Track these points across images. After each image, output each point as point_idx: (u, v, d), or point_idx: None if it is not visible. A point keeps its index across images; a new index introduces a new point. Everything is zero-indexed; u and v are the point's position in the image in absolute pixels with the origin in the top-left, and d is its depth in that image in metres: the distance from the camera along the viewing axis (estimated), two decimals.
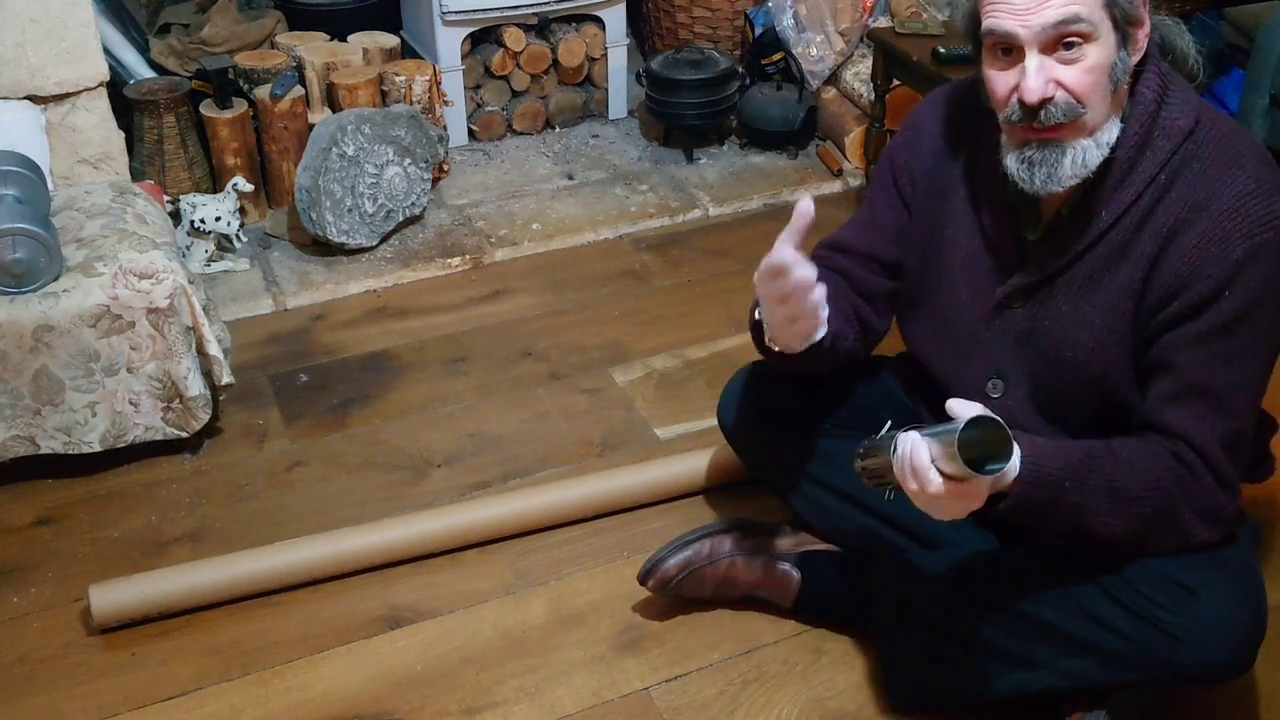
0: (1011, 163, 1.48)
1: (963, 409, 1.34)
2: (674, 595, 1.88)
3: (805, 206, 1.40)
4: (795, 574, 1.85)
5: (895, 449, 1.39)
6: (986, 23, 1.42)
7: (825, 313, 1.53)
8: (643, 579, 1.86)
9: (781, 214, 3.18)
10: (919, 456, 1.35)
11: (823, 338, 1.56)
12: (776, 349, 1.61)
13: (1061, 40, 1.39)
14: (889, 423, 1.47)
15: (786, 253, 1.41)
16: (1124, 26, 1.41)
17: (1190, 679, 1.48)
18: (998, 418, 1.32)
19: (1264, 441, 1.69)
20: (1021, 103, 1.42)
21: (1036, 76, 1.39)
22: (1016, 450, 1.37)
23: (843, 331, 1.64)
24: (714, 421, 1.96)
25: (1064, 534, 1.47)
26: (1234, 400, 1.45)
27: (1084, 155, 1.44)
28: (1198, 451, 1.45)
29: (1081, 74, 1.40)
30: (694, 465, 2.14)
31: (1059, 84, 1.40)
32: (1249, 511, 1.65)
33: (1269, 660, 1.76)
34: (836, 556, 1.86)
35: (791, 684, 1.79)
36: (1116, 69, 1.41)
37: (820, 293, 1.47)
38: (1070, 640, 1.53)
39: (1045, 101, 1.41)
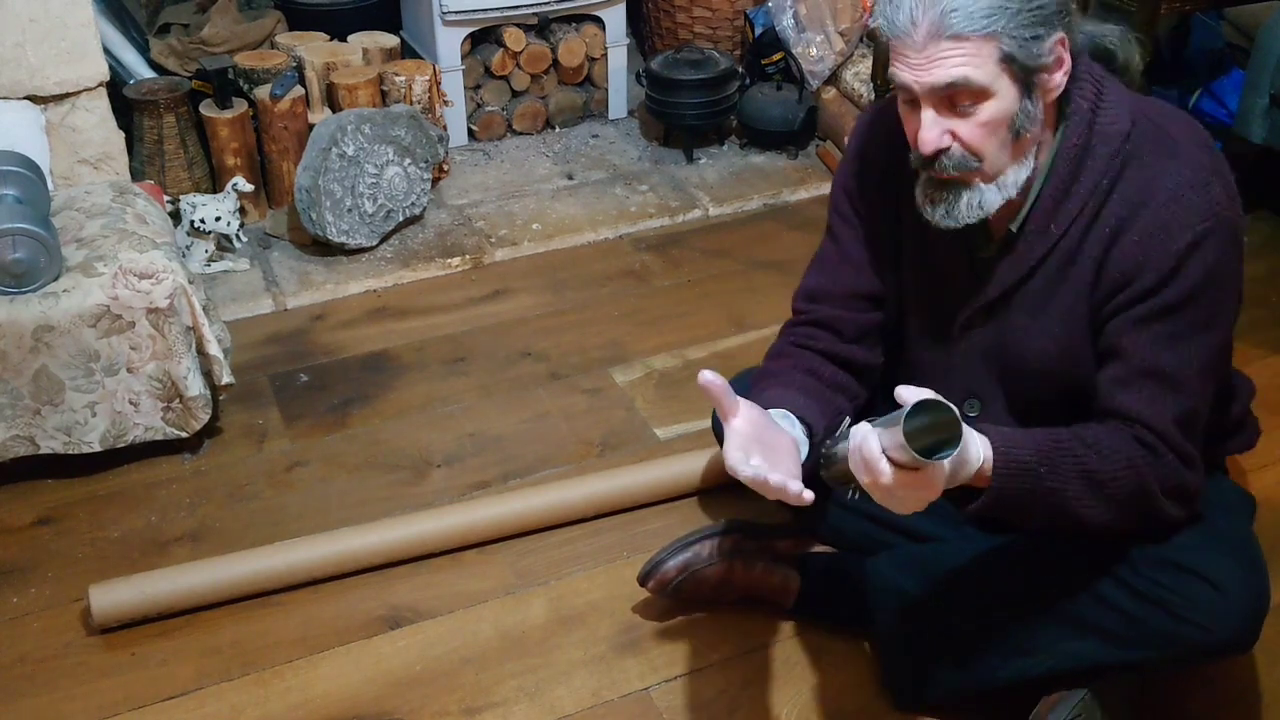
0: (918, 194, 1.50)
1: (910, 394, 1.30)
2: (674, 597, 1.88)
3: (705, 379, 1.35)
4: (795, 576, 1.85)
5: (848, 444, 1.36)
6: (890, 70, 1.43)
7: (801, 446, 1.50)
8: (642, 580, 1.86)
9: (781, 214, 3.19)
10: (869, 448, 1.30)
11: (807, 459, 1.53)
12: None
13: (953, 99, 1.39)
14: (846, 419, 1.44)
15: (743, 471, 1.35)
16: (1026, 78, 1.39)
17: (1194, 656, 1.49)
18: (946, 402, 1.27)
19: (1244, 406, 1.69)
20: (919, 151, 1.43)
21: (930, 129, 1.40)
22: (975, 437, 1.35)
23: (833, 414, 1.62)
24: None
25: (1045, 523, 1.47)
26: (1182, 379, 1.45)
27: (981, 198, 1.45)
28: (1155, 433, 1.45)
29: (975, 128, 1.40)
30: (694, 465, 2.14)
31: (954, 135, 1.41)
32: (1241, 484, 1.66)
33: (1269, 658, 1.76)
34: (836, 558, 1.87)
35: (791, 684, 1.80)
36: (1018, 119, 1.40)
37: (785, 472, 1.40)
38: (1072, 622, 1.54)
39: (940, 152, 1.42)
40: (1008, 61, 1.37)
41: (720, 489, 2.14)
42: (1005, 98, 1.39)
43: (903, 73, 1.40)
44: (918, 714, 1.73)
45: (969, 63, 1.36)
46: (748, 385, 1.86)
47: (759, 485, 1.39)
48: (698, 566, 1.85)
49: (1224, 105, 3.16)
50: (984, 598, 1.62)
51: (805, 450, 1.53)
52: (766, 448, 1.41)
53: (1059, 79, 1.42)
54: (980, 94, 1.38)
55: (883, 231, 1.67)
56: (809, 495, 1.36)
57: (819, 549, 1.88)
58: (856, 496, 1.43)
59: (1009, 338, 1.56)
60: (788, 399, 1.58)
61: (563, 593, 1.97)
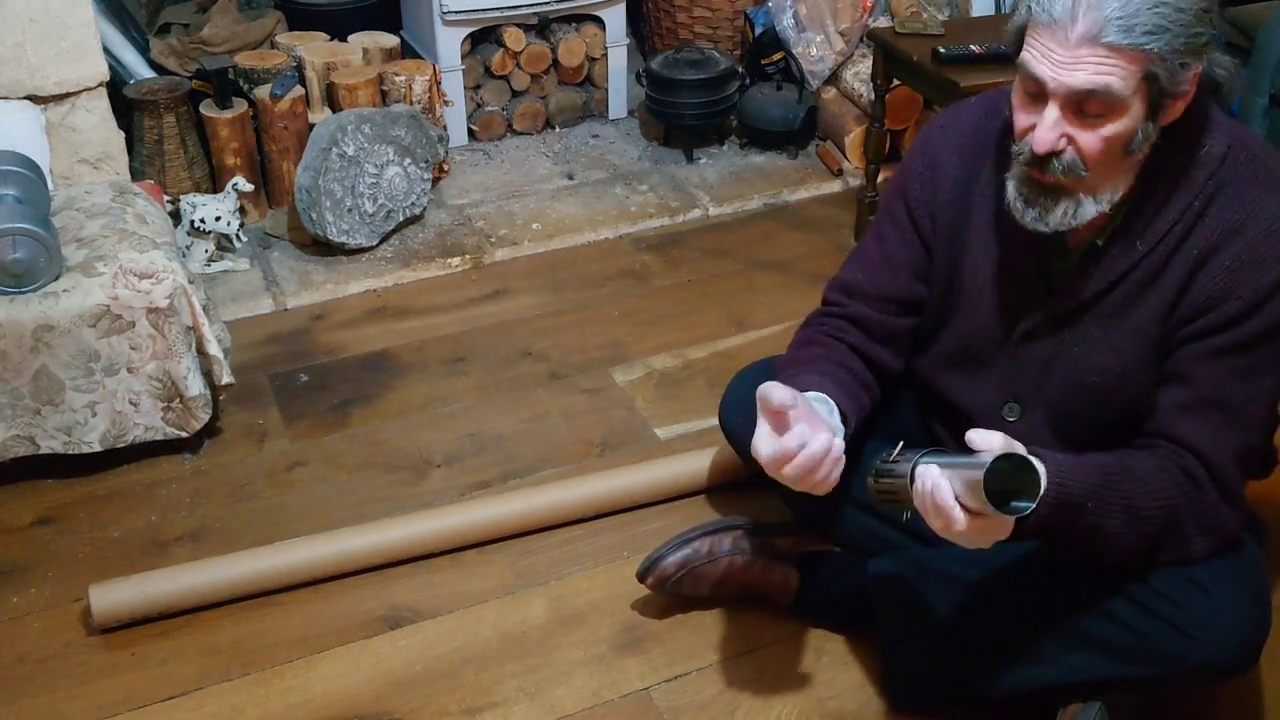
0: (1010, 189, 1.48)
1: (984, 441, 1.30)
2: (672, 593, 1.88)
3: (782, 403, 1.39)
4: (794, 574, 1.85)
5: (913, 479, 1.36)
6: (1023, 55, 1.39)
7: (837, 432, 1.52)
8: (641, 576, 1.86)
9: (781, 214, 3.18)
10: (942, 495, 1.30)
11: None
12: None
13: (1083, 105, 1.36)
14: (900, 444, 1.43)
15: (783, 453, 1.39)
16: (1158, 100, 1.36)
17: (1196, 675, 1.49)
18: (1026, 456, 1.29)
19: (1268, 439, 1.69)
20: (1030, 147, 1.40)
21: (1050, 130, 1.37)
22: (1042, 482, 1.35)
23: (859, 407, 1.63)
24: (714, 421, 1.96)
25: (1076, 551, 1.47)
26: (1248, 414, 1.45)
27: (1078, 208, 1.43)
28: (1206, 465, 1.44)
29: (1096, 139, 1.37)
30: (694, 465, 2.14)
31: (1071, 140, 1.38)
32: (1256, 510, 1.66)
33: (1270, 660, 1.76)
34: (836, 556, 1.87)
35: (791, 684, 1.79)
36: (1136, 139, 1.38)
37: (838, 445, 1.43)
38: (1078, 635, 1.53)
39: (1053, 154, 1.39)
40: (1149, 81, 1.34)
41: (721, 488, 2.14)
42: (1133, 116, 1.36)
43: (1040, 65, 1.36)
44: (917, 716, 1.73)
45: (1115, 73, 1.32)
46: (750, 382, 1.87)
47: (794, 467, 1.40)
48: (697, 563, 1.84)
49: None
50: (989, 606, 1.61)
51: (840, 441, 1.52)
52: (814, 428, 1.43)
53: (1180, 108, 1.40)
54: (1113, 107, 1.35)
55: (940, 239, 1.65)
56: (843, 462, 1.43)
57: (819, 547, 1.88)
58: (910, 519, 1.43)
59: (1072, 350, 1.54)
60: (825, 388, 1.58)
61: (563, 593, 1.97)
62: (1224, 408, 1.44)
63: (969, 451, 1.32)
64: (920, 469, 1.35)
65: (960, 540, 1.35)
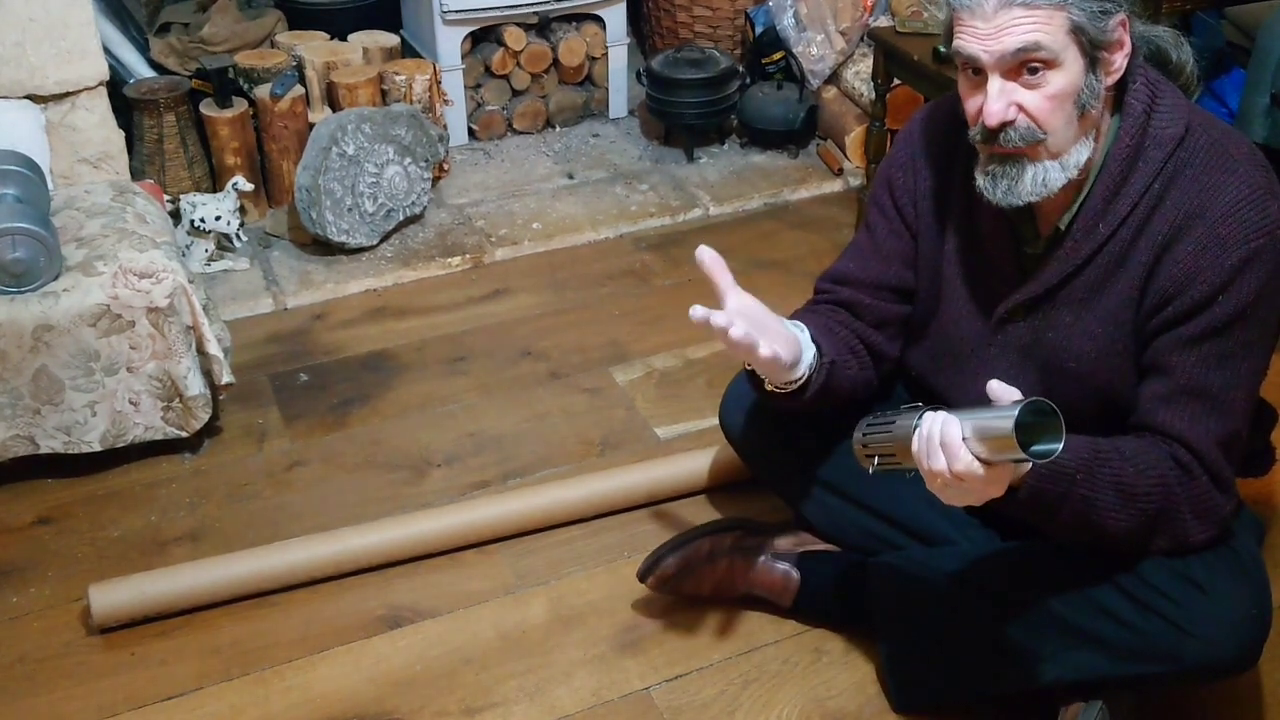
0: (979, 176, 1.50)
1: (1004, 392, 1.32)
2: (673, 593, 1.88)
3: (704, 254, 1.52)
4: (795, 574, 1.85)
5: (919, 425, 1.35)
6: (955, 43, 1.43)
7: (805, 348, 1.56)
8: (642, 576, 1.86)
9: (782, 213, 3.18)
10: (950, 432, 1.31)
11: (813, 368, 1.57)
12: (772, 389, 1.61)
13: (1024, 65, 1.39)
14: (919, 405, 1.42)
15: (697, 313, 1.43)
16: (1093, 52, 1.40)
17: (1196, 673, 1.49)
18: (1049, 402, 1.27)
19: (1265, 434, 1.69)
20: (983, 124, 1.43)
21: (997, 100, 1.40)
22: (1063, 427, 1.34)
23: (842, 357, 1.63)
24: (714, 421, 1.96)
25: (1071, 529, 1.47)
26: (1228, 401, 1.45)
27: (1045, 175, 1.45)
28: (1194, 453, 1.45)
29: (1042, 100, 1.40)
30: (694, 465, 2.14)
31: (1020, 108, 1.41)
32: (1251, 507, 1.66)
33: (1270, 659, 1.76)
34: (836, 556, 1.86)
35: (791, 684, 1.80)
36: (1083, 94, 1.41)
37: (753, 336, 1.45)
38: (1077, 632, 1.54)
39: (1005, 124, 1.42)
40: (1077, 32, 1.38)
41: (721, 488, 2.14)
42: (1072, 70, 1.39)
43: (970, 44, 1.40)
44: (917, 716, 1.73)
45: (1040, 29, 1.36)
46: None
47: (743, 345, 1.43)
48: (697, 563, 1.84)
49: (1225, 105, 3.15)
50: (988, 604, 1.61)
51: (809, 356, 1.56)
52: (758, 325, 1.46)
53: (1119, 61, 1.43)
54: (1050, 62, 1.38)
55: (923, 228, 1.67)
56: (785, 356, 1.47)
57: (820, 547, 1.88)
58: (872, 472, 1.44)
59: (1048, 335, 1.56)
60: (806, 322, 1.61)
61: (563, 593, 1.97)
62: (1204, 396, 1.45)
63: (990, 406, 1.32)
64: (928, 414, 1.34)
65: (948, 491, 1.35)
